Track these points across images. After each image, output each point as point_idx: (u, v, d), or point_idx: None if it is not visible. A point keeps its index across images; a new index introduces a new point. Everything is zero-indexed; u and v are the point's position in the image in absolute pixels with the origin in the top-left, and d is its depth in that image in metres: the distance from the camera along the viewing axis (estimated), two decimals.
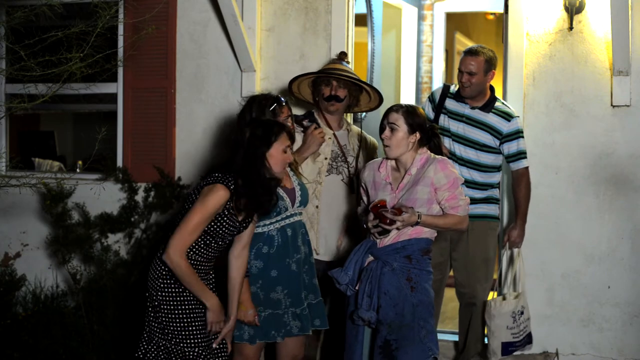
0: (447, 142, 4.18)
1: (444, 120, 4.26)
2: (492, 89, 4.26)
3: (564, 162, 4.44)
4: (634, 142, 4.34)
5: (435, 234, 3.45)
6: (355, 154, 4.06)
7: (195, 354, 3.18)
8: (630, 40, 4.17)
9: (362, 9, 5.69)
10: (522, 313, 4.18)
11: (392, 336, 3.29)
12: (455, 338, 4.56)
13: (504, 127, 4.17)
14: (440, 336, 3.47)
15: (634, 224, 4.35)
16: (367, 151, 4.13)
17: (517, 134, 4.18)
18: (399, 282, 3.32)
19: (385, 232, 3.33)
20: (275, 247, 3.45)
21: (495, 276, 4.46)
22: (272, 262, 3.45)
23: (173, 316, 3.17)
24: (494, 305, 4.14)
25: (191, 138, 4.99)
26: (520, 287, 4.27)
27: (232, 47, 4.81)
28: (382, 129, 3.42)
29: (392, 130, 3.37)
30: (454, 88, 4.30)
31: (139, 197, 4.93)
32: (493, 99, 4.23)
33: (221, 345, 3.31)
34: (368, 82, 4.63)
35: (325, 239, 3.96)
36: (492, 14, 8.38)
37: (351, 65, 4.25)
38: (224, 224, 3.17)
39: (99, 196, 4.91)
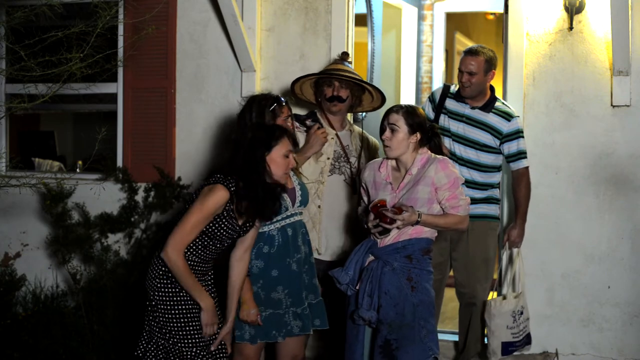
0: (447, 142, 4.18)
1: (444, 120, 4.26)
2: (492, 89, 4.26)
3: (564, 162, 4.44)
4: (634, 142, 4.34)
5: (436, 234, 3.45)
6: (357, 154, 4.06)
7: (193, 353, 3.18)
8: (630, 40, 4.17)
9: (362, 9, 5.69)
10: (521, 313, 4.18)
11: (392, 336, 3.29)
12: (455, 338, 4.56)
13: (504, 127, 4.17)
14: (440, 336, 3.47)
15: (634, 224, 4.35)
16: (369, 151, 4.13)
17: (517, 134, 4.18)
18: (400, 281, 3.32)
19: (386, 232, 3.33)
20: (276, 246, 3.45)
21: (495, 276, 4.47)
22: (273, 262, 3.45)
23: (170, 316, 3.17)
24: (494, 304, 4.14)
25: (191, 138, 4.99)
26: (519, 287, 4.27)
27: (232, 47, 4.81)
28: (382, 130, 3.42)
29: (393, 131, 3.38)
30: (454, 88, 4.30)
31: (139, 197, 4.93)
32: (493, 99, 4.23)
33: (220, 347, 3.31)
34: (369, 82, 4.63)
35: (327, 239, 3.96)
36: (492, 14, 8.38)
37: (352, 66, 4.25)
38: (223, 226, 3.16)
39: (99, 196, 4.91)
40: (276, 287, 3.44)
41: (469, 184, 4.09)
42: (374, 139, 4.21)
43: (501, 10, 4.83)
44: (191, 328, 3.19)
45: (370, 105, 4.17)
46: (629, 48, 4.18)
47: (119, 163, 5.08)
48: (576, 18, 4.37)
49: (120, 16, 4.88)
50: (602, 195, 4.39)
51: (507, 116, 4.19)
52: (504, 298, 4.20)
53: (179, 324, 3.18)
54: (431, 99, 4.39)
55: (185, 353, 3.17)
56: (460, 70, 4.17)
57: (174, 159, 5.01)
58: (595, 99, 4.38)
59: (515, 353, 4.24)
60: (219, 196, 3.11)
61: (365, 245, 3.43)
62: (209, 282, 3.33)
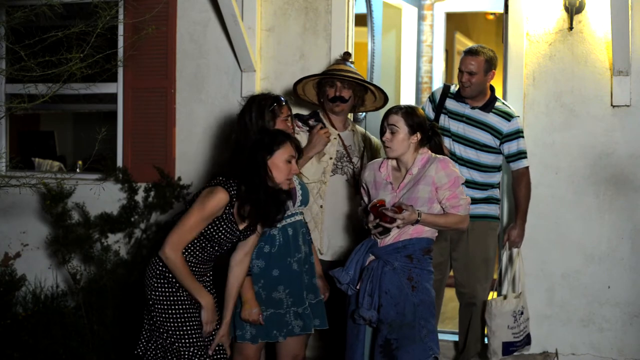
0: (447, 142, 4.18)
1: (444, 120, 4.26)
2: (492, 88, 4.26)
3: (564, 162, 4.44)
4: (634, 142, 4.34)
5: (436, 234, 3.46)
6: (360, 154, 4.07)
7: (191, 353, 3.18)
8: (630, 40, 4.17)
9: (362, 9, 5.68)
10: (522, 313, 4.18)
11: (392, 335, 3.29)
12: (455, 338, 4.56)
13: (504, 127, 4.17)
14: (440, 336, 3.47)
15: (634, 224, 4.35)
16: (372, 152, 4.13)
17: (517, 134, 4.18)
18: (400, 281, 3.32)
19: (386, 232, 3.33)
20: (277, 246, 3.46)
21: (495, 276, 4.47)
22: (274, 262, 3.45)
23: (167, 315, 3.17)
24: (495, 304, 4.14)
25: (191, 138, 4.99)
26: (519, 287, 4.27)
27: (232, 47, 4.81)
28: (382, 131, 3.42)
29: (393, 132, 3.38)
30: (454, 88, 4.30)
31: (139, 197, 4.93)
32: (493, 98, 4.23)
33: (219, 348, 3.31)
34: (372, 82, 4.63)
35: (329, 239, 3.96)
36: (492, 14, 8.38)
37: (354, 66, 4.25)
38: (222, 229, 3.16)
39: (99, 196, 4.91)
40: (277, 286, 3.44)
41: (469, 184, 4.09)
42: (377, 139, 4.21)
43: (501, 10, 4.83)
44: (188, 328, 3.19)
45: (372, 105, 4.18)
46: (629, 48, 4.18)
47: (119, 163, 5.08)
48: (576, 18, 4.37)
49: (120, 16, 4.88)
50: (602, 195, 4.39)
51: (507, 116, 4.19)
52: (505, 298, 4.20)
53: (176, 324, 3.18)
54: (431, 99, 4.39)
55: (182, 353, 3.18)
56: (460, 70, 4.17)
57: (174, 159, 5.01)
58: (595, 99, 4.38)
59: (515, 353, 4.24)
60: (219, 198, 3.11)
61: (366, 245, 3.43)
62: (208, 283, 3.33)
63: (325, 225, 3.95)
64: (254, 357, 3.49)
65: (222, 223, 3.16)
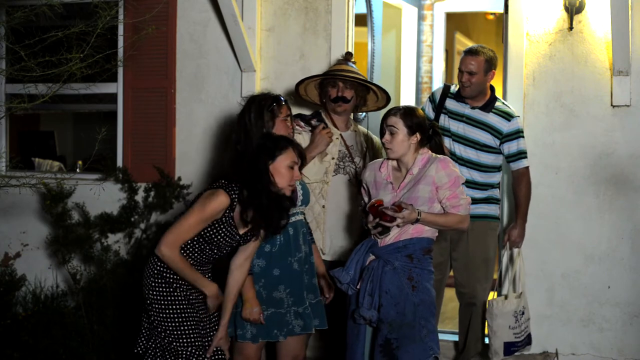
0: (447, 142, 4.18)
1: (444, 120, 4.26)
2: (492, 88, 4.26)
3: (564, 162, 4.44)
4: (634, 142, 4.34)
5: (437, 234, 3.46)
6: (362, 154, 4.07)
7: (189, 353, 3.18)
8: (630, 40, 4.17)
9: (362, 9, 5.68)
10: (523, 313, 4.18)
11: (392, 335, 3.29)
12: (455, 338, 4.56)
13: (504, 126, 4.17)
14: (440, 336, 3.47)
15: (634, 224, 4.35)
16: (374, 151, 4.13)
17: (517, 134, 4.18)
18: (400, 281, 3.32)
19: (385, 232, 3.33)
20: (278, 245, 3.45)
21: (495, 276, 4.46)
22: (275, 261, 3.45)
23: (165, 315, 3.18)
24: (496, 305, 4.14)
25: (191, 138, 4.99)
26: (520, 287, 4.27)
27: (232, 47, 4.81)
28: (382, 133, 3.43)
29: (392, 133, 3.38)
30: (454, 88, 4.30)
31: (139, 197, 4.93)
32: (493, 98, 4.23)
33: (217, 351, 3.31)
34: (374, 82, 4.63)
35: (331, 239, 3.96)
36: (492, 14, 8.38)
37: (356, 66, 4.25)
38: (220, 232, 3.16)
39: (99, 196, 4.91)
40: (278, 286, 3.44)
41: (469, 184, 4.09)
42: (379, 139, 4.21)
43: (501, 10, 4.83)
44: (186, 327, 3.19)
45: (375, 105, 4.18)
46: (629, 48, 4.18)
47: (119, 163, 5.08)
48: (576, 18, 4.37)
49: (120, 16, 4.88)
50: (602, 195, 4.39)
51: (507, 116, 4.19)
52: (506, 298, 4.19)
53: (173, 324, 3.18)
54: (431, 99, 4.39)
55: (180, 352, 3.18)
56: (460, 70, 4.17)
57: (174, 159, 5.01)
58: (595, 99, 4.38)
59: (516, 353, 4.24)
60: (219, 201, 3.12)
61: (366, 244, 3.43)
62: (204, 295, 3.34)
63: (327, 225, 3.95)
64: (255, 357, 3.49)
65: (222, 226, 3.16)
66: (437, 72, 7.28)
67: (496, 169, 4.26)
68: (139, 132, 5.07)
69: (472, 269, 4.24)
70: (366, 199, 3.56)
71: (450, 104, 4.28)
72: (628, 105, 4.32)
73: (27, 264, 5.24)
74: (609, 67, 4.33)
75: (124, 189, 4.96)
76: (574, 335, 4.44)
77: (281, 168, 3.20)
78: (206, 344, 3.26)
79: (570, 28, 4.37)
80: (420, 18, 7.06)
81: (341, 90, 3.97)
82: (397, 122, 3.38)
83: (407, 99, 6.63)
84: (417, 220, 3.30)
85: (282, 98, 3.56)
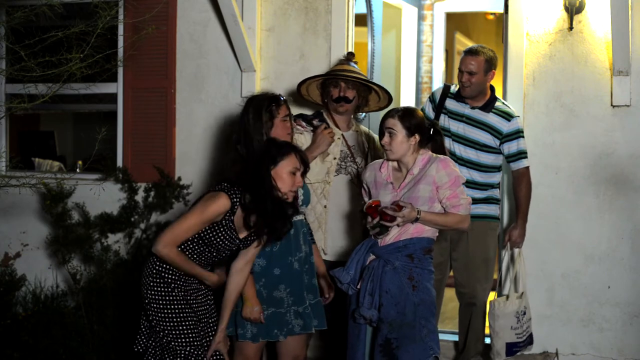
0: (447, 142, 4.18)
1: (444, 120, 4.26)
2: (492, 88, 4.26)
3: (564, 162, 4.44)
4: (634, 142, 4.34)
5: (437, 234, 3.46)
6: (364, 154, 4.07)
7: (187, 352, 3.18)
8: (630, 40, 4.17)
9: (362, 9, 5.68)
10: (524, 313, 4.18)
11: (393, 335, 3.29)
12: (455, 338, 4.56)
13: (504, 127, 4.17)
14: (440, 336, 3.47)
15: (634, 224, 4.35)
16: (375, 151, 4.13)
17: (517, 134, 4.18)
18: (401, 280, 3.32)
19: (383, 232, 3.33)
20: (278, 245, 3.45)
21: (495, 276, 4.46)
22: (275, 261, 3.45)
23: (163, 315, 3.18)
24: (498, 305, 4.13)
25: (191, 138, 4.99)
26: (521, 287, 4.27)
27: (232, 47, 4.81)
28: (381, 135, 3.43)
29: (391, 135, 3.38)
30: (454, 88, 4.30)
31: (139, 197, 4.93)
32: (493, 98, 4.23)
33: (217, 354, 3.31)
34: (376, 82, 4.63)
35: (332, 239, 3.96)
36: (492, 14, 8.38)
37: (357, 66, 4.25)
38: (220, 235, 3.17)
39: (99, 196, 4.91)
40: (278, 285, 3.45)
41: (469, 184, 4.09)
42: None
43: (501, 10, 4.83)
44: (184, 327, 3.19)
45: (376, 105, 4.18)
46: (629, 48, 4.18)
47: (119, 163, 5.08)
48: (576, 18, 4.37)
49: (120, 16, 4.88)
50: (602, 195, 4.39)
51: (507, 116, 4.19)
52: (507, 299, 4.19)
53: (171, 324, 3.18)
54: (431, 99, 4.39)
55: (179, 352, 3.18)
56: (460, 70, 4.17)
57: (174, 159, 5.02)
58: (595, 99, 4.38)
59: (518, 353, 4.24)
60: (220, 204, 3.12)
61: (366, 244, 3.43)
62: (207, 288, 3.34)
63: (329, 226, 3.95)
64: (255, 357, 3.49)
65: (221, 229, 3.16)
66: (437, 72, 7.28)
67: (496, 169, 4.26)
68: (139, 132, 5.07)
69: (472, 269, 4.24)
70: (366, 199, 3.56)
71: (450, 104, 4.28)
72: (628, 105, 4.32)
73: (27, 264, 5.24)
74: (609, 67, 4.33)
75: (124, 189, 4.96)
76: (574, 335, 4.44)
77: (283, 173, 3.20)
78: (205, 344, 3.26)
79: (570, 28, 4.37)
80: (420, 18, 7.05)
81: (343, 90, 3.97)
82: (396, 124, 3.38)
83: (407, 99, 6.63)
84: (416, 220, 3.30)
85: (281, 98, 3.56)
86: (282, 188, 3.20)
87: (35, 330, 4.71)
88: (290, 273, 3.47)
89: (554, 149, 4.45)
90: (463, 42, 8.27)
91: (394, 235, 3.36)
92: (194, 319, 3.22)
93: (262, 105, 3.49)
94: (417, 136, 3.40)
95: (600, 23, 4.34)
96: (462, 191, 3.38)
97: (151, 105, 5.06)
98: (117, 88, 5.12)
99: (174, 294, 3.19)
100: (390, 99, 4.10)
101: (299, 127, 3.94)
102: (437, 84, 7.10)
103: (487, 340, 4.39)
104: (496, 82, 4.25)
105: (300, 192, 3.53)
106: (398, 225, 3.32)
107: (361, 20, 5.52)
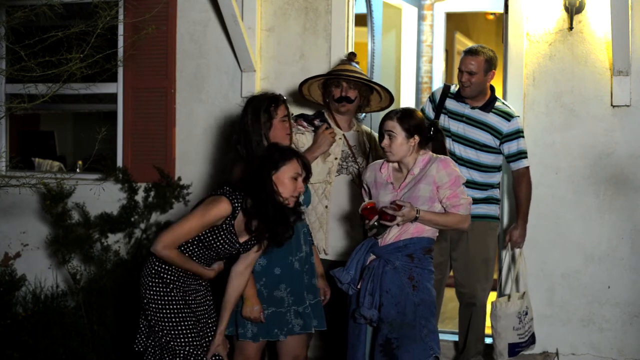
0: (447, 142, 4.18)
1: (444, 120, 4.26)
2: (492, 88, 4.26)
3: (564, 162, 4.44)
4: (634, 142, 4.34)
5: (437, 234, 3.46)
6: (365, 154, 4.07)
7: (186, 352, 3.19)
8: (630, 40, 4.17)
9: (362, 9, 5.69)
10: (526, 313, 4.17)
11: (393, 335, 3.29)
12: (455, 338, 4.56)
13: (504, 127, 4.17)
14: (440, 336, 3.47)
15: (634, 224, 4.35)
16: (377, 151, 4.13)
17: (517, 134, 4.18)
18: (401, 280, 3.32)
19: (381, 233, 3.34)
20: None
21: (495, 276, 4.46)
22: (276, 260, 3.45)
23: (162, 315, 3.18)
24: (500, 306, 4.13)
25: (191, 138, 4.99)
26: (523, 287, 4.27)
27: (232, 47, 4.81)
28: (381, 138, 3.43)
29: (391, 137, 3.38)
30: (454, 88, 4.30)
31: (139, 197, 4.94)
32: (493, 98, 4.23)
33: (216, 356, 3.31)
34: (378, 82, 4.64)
35: (334, 239, 3.96)
36: (492, 14, 8.38)
37: (359, 66, 4.25)
38: (220, 238, 3.17)
39: (99, 196, 4.91)
40: (279, 285, 3.45)
41: (469, 184, 4.09)
42: None
43: (501, 10, 4.83)
44: (183, 327, 3.19)
45: (378, 105, 4.17)
46: (629, 48, 4.18)
47: (119, 163, 5.08)
48: (576, 18, 4.37)
49: (120, 16, 4.88)
50: (602, 195, 4.39)
51: (507, 116, 4.18)
52: (509, 299, 4.19)
53: (170, 323, 3.19)
54: (431, 99, 4.39)
55: (178, 351, 3.19)
56: (460, 70, 4.17)
57: (174, 159, 5.02)
58: (595, 99, 4.38)
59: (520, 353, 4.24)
60: (221, 208, 3.13)
61: (367, 244, 3.44)
62: (206, 288, 3.34)
63: (330, 226, 3.94)
64: (255, 356, 3.49)
65: (221, 233, 3.16)
66: (437, 72, 7.28)
67: (496, 169, 4.26)
68: (139, 132, 5.07)
69: (472, 269, 4.24)
70: (366, 200, 3.57)
71: (450, 104, 4.28)
72: (628, 105, 4.32)
73: (27, 264, 5.24)
74: (609, 67, 4.33)
75: (124, 189, 4.96)
76: (574, 335, 4.44)
77: (284, 178, 3.20)
78: (204, 344, 3.26)
79: (570, 28, 4.37)
80: (420, 18, 7.06)
81: (345, 90, 3.97)
82: (395, 127, 3.38)
83: (407, 99, 6.64)
84: (416, 219, 3.30)
85: (280, 98, 3.55)
86: (284, 193, 3.19)
87: (35, 330, 4.71)
88: (291, 273, 3.47)
89: (554, 149, 4.45)
90: (463, 42, 8.27)
91: (394, 235, 3.36)
92: (193, 319, 3.23)
93: (260, 106, 3.49)
94: (416, 137, 3.40)
95: (600, 23, 4.34)
96: (463, 191, 3.38)
97: (151, 105, 5.06)
98: (117, 88, 5.12)
99: (172, 294, 3.19)
100: (391, 99, 4.10)
101: (300, 127, 3.94)
102: (437, 84, 7.10)
103: (488, 341, 4.39)
104: (496, 82, 4.25)
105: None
106: (398, 225, 3.32)
107: (361, 20, 5.52)
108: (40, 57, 4.17)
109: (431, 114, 4.32)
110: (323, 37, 4.76)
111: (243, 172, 3.34)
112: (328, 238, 3.94)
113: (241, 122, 3.52)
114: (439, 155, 3.44)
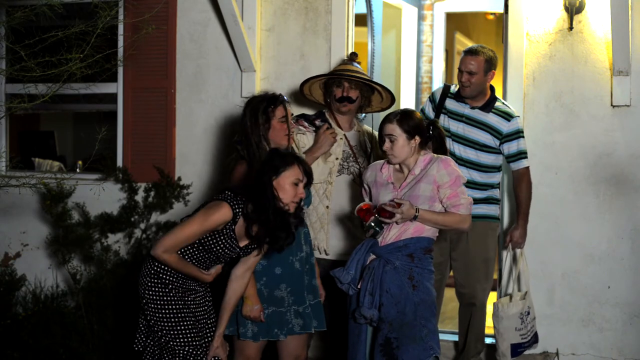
0: (447, 142, 4.18)
1: (444, 120, 4.26)
2: (492, 88, 4.26)
3: (564, 162, 4.44)
4: (634, 142, 4.34)
5: (437, 234, 3.46)
6: (366, 154, 4.07)
7: (186, 352, 3.19)
8: (630, 40, 4.17)
9: (362, 9, 5.69)
10: (528, 313, 4.17)
11: (393, 334, 3.29)
12: (455, 338, 4.56)
13: (504, 127, 4.17)
14: (440, 336, 3.47)
15: (634, 224, 4.35)
16: (378, 151, 4.13)
17: (517, 134, 4.18)
18: (401, 280, 3.32)
19: (378, 233, 3.34)
20: None
21: (495, 276, 4.46)
22: (276, 260, 3.45)
23: (161, 315, 3.19)
24: (502, 307, 4.13)
25: (191, 138, 4.99)
26: (524, 287, 4.27)
27: (232, 47, 4.81)
28: (381, 142, 3.43)
29: (392, 140, 3.39)
30: (454, 88, 4.30)
31: (139, 197, 4.94)
32: (493, 98, 4.23)
33: (216, 358, 3.32)
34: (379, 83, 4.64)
35: (335, 239, 3.96)
36: (492, 14, 8.38)
37: (360, 66, 4.25)
38: (220, 242, 3.17)
39: (99, 196, 4.91)
40: (279, 284, 3.45)
41: (469, 184, 4.08)
42: None
43: (501, 10, 4.83)
44: (182, 327, 3.20)
45: (379, 105, 4.17)
46: (629, 48, 4.18)
47: (119, 163, 5.08)
48: (576, 18, 4.37)
49: (120, 16, 4.88)
50: (602, 195, 4.39)
51: (507, 116, 4.18)
52: (510, 300, 4.18)
53: (169, 324, 3.19)
54: (431, 99, 4.39)
55: (177, 351, 3.19)
56: (460, 70, 4.17)
57: (174, 159, 5.02)
58: (595, 99, 4.38)
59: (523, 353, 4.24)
60: (222, 214, 3.13)
61: (367, 244, 3.44)
62: (205, 288, 3.34)
63: (331, 226, 3.94)
64: (255, 356, 3.49)
65: (221, 237, 3.16)
66: (437, 72, 7.28)
67: (496, 169, 4.26)
68: (139, 132, 5.07)
69: (471, 269, 4.24)
70: (366, 200, 3.57)
71: (450, 104, 4.28)
72: (628, 105, 4.32)
73: (27, 264, 5.24)
74: (609, 67, 4.33)
75: (124, 189, 4.96)
76: (574, 335, 4.44)
77: (285, 184, 3.20)
78: (204, 344, 3.26)
79: (570, 28, 4.37)
80: (420, 18, 7.06)
81: (346, 90, 3.96)
82: (395, 129, 3.38)
83: (407, 99, 6.64)
84: (415, 217, 3.30)
85: (279, 98, 3.54)
86: (284, 199, 3.19)
87: (35, 330, 4.71)
88: (291, 273, 3.47)
89: (554, 149, 4.44)
90: (463, 42, 8.28)
91: (394, 235, 3.36)
92: (192, 319, 3.23)
93: (258, 108, 3.49)
94: (417, 138, 3.40)
95: (600, 23, 4.34)
96: (463, 191, 3.38)
97: (151, 105, 5.06)
98: (117, 88, 5.12)
99: (171, 294, 3.19)
100: (392, 99, 4.10)
101: (301, 127, 3.94)
102: (437, 84, 7.10)
103: (488, 341, 4.39)
104: (496, 82, 4.25)
105: None
106: (397, 223, 3.32)
107: (361, 20, 5.52)
108: (40, 57, 4.17)
109: (431, 114, 4.32)
110: (323, 37, 4.76)
111: (244, 176, 3.34)
112: (329, 238, 3.93)
113: (241, 123, 3.52)
114: (440, 156, 3.44)
